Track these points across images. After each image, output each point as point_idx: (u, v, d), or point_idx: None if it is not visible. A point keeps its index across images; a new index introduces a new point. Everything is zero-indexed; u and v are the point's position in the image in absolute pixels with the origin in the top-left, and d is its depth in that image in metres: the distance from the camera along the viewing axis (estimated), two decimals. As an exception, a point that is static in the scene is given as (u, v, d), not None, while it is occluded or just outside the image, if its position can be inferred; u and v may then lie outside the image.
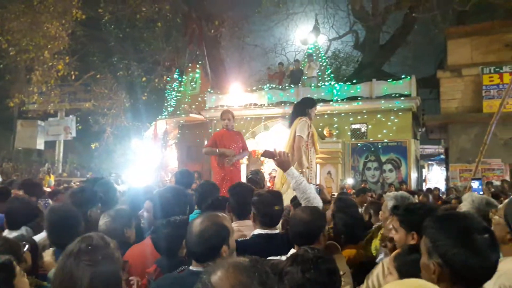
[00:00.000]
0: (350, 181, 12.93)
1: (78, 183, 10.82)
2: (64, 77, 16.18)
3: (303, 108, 4.87)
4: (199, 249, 1.88)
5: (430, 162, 21.05)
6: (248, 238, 2.61)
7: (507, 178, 11.99)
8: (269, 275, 1.23)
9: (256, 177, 4.34)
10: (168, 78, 18.18)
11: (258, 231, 2.57)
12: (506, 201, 2.24)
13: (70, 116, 21.71)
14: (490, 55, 13.23)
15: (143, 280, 2.23)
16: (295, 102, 5.27)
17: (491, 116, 7.14)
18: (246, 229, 2.75)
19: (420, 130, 15.92)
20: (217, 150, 5.31)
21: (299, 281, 1.45)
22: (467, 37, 13.69)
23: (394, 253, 2.02)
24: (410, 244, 2.01)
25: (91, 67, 18.41)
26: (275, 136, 14.10)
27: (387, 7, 16.98)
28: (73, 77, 16.55)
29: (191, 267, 1.94)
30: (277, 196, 2.73)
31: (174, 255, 2.27)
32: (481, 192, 3.38)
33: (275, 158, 3.05)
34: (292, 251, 2.27)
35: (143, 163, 16.65)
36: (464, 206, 2.59)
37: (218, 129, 14.92)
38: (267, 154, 3.17)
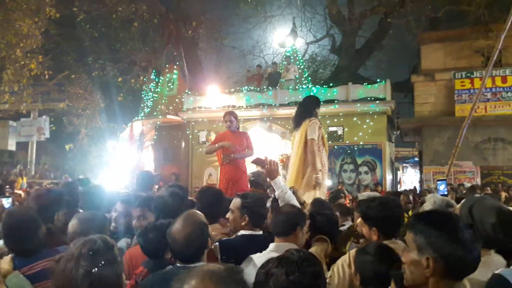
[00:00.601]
0: (328, 182, 13.07)
1: (48, 185, 10.56)
2: (37, 76, 15.73)
3: (310, 108, 4.81)
4: (187, 252, 1.92)
5: (404, 165, 21.54)
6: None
7: (478, 180, 12.39)
8: (245, 285, 1.21)
9: (258, 179, 4.36)
10: (144, 79, 17.94)
11: (242, 232, 2.64)
12: (462, 202, 2.38)
13: (43, 116, 21.14)
14: (462, 61, 13.66)
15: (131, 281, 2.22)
16: (298, 103, 5.18)
17: (463, 120, 7.38)
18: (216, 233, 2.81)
19: (394, 133, 16.26)
20: (216, 145, 5.24)
21: (283, 283, 1.47)
22: (439, 43, 14.09)
23: (353, 250, 2.16)
24: (368, 244, 2.08)
25: (65, 66, 17.97)
26: (253, 137, 14.12)
27: (363, 12, 17.28)
28: (46, 76, 16.11)
29: (178, 264, 2.00)
30: (265, 198, 2.91)
31: (161, 257, 2.30)
32: (446, 193, 3.52)
33: (266, 167, 3.10)
34: (271, 245, 2.36)
35: (118, 165, 16.38)
36: (427, 206, 2.71)
37: (196, 131, 14.91)
38: (258, 161, 3.24)
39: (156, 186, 9.15)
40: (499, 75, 12.70)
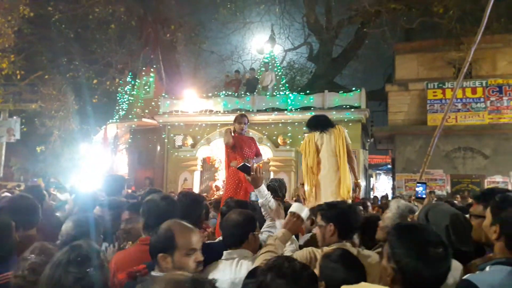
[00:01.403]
0: (306, 188, 13.16)
1: (15, 188, 10.23)
2: (9, 76, 15.28)
3: (329, 120, 4.80)
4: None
5: (377, 172, 21.93)
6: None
7: (448, 187, 12.73)
8: None
9: (275, 185, 4.38)
10: (120, 81, 17.69)
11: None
12: (421, 207, 2.48)
13: (14, 117, 20.45)
14: (434, 72, 14.05)
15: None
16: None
17: (435, 129, 7.57)
18: None
19: (368, 140, 16.55)
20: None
21: None
22: (413, 53, 14.47)
23: (323, 252, 2.18)
24: (334, 251, 2.12)
25: (38, 66, 17.51)
26: (230, 143, 14.13)
27: (340, 22, 17.58)
28: (18, 76, 15.68)
29: (153, 273, 1.96)
30: (243, 203, 2.98)
31: None
32: (424, 196, 3.61)
33: (251, 174, 3.12)
34: (225, 253, 2.37)
35: (91, 168, 16.04)
36: (390, 212, 2.78)
37: (172, 135, 14.77)
38: (244, 168, 3.25)
39: (129, 190, 9.01)
40: (469, 86, 13.13)
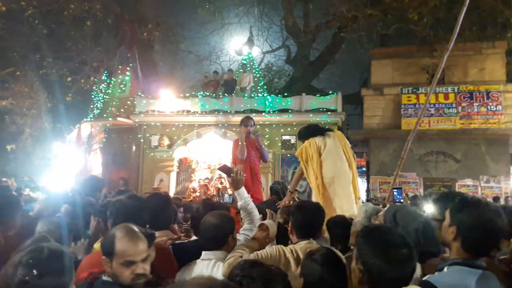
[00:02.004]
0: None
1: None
2: (-22, 72, 14.84)
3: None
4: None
5: (352, 174, 22.19)
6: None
7: (421, 190, 13.03)
8: None
9: (277, 187, 4.58)
10: (95, 79, 17.36)
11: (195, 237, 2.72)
12: (384, 209, 2.54)
13: (-17, 114, 19.89)
14: (409, 77, 14.38)
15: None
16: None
17: (409, 133, 7.74)
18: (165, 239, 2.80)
19: (345, 143, 16.74)
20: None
21: None
22: (389, 59, 14.77)
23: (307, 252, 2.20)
24: (317, 249, 2.15)
25: (10, 63, 16.99)
26: (208, 144, 14.06)
27: (318, 25, 17.78)
28: (-12, 72, 15.24)
29: (103, 277, 1.94)
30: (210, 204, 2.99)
31: None
32: (402, 200, 3.71)
33: (231, 175, 3.11)
34: (204, 254, 2.38)
35: (64, 167, 15.66)
36: (359, 216, 2.86)
37: (148, 135, 14.58)
38: (225, 169, 3.23)
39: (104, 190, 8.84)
40: (442, 92, 13.49)
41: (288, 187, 4.95)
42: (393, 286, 1.53)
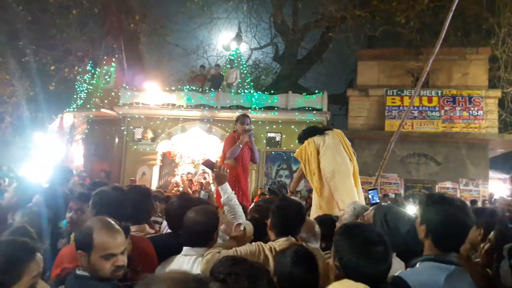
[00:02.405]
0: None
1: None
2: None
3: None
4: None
5: (335, 174, 22.38)
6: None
7: (402, 191, 13.22)
8: None
9: (274, 187, 4.73)
10: (79, 69, 17.06)
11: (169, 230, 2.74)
12: (371, 209, 2.57)
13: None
14: (394, 79, 14.54)
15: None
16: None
17: (392, 135, 7.85)
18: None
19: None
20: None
21: None
22: (375, 60, 14.90)
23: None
24: (289, 247, 2.16)
25: (-9, 49, 16.62)
26: (193, 138, 13.98)
27: (307, 24, 17.81)
28: (-32, 58, 14.82)
29: (77, 271, 1.91)
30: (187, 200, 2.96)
31: None
32: (378, 201, 3.74)
33: (214, 170, 3.10)
34: (185, 250, 2.36)
35: (45, 158, 15.38)
36: (347, 213, 2.88)
37: (131, 127, 14.42)
38: (208, 164, 3.21)
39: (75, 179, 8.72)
40: (426, 95, 13.69)
41: (283, 184, 5.08)
42: (368, 282, 1.53)
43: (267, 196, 4.85)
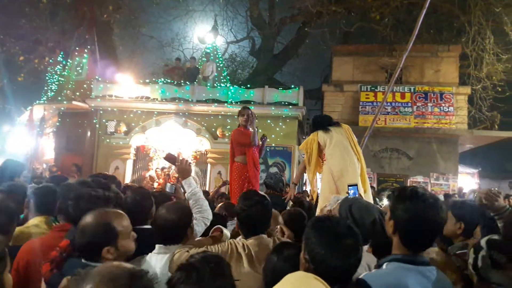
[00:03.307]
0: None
1: None
2: None
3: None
4: (81, 243, 1.84)
5: (310, 168, 22.60)
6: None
7: (375, 185, 13.46)
8: None
9: (270, 182, 4.77)
10: (50, 60, 16.56)
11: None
12: (339, 202, 2.56)
13: None
14: (368, 75, 14.74)
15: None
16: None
17: (365, 130, 7.97)
18: None
19: (304, 137, 16.99)
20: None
21: None
22: (350, 56, 15.06)
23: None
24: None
25: (-45, 37, 15.92)
26: (168, 132, 13.81)
27: (283, 19, 17.82)
28: None
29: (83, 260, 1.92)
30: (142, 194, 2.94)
31: None
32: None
33: (176, 164, 3.05)
34: (158, 248, 2.32)
35: (13, 151, 14.90)
36: (330, 205, 2.89)
37: (104, 120, 14.12)
38: (170, 158, 3.16)
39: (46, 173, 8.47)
40: (399, 91, 13.94)
41: (280, 178, 5.13)
42: (337, 276, 1.50)
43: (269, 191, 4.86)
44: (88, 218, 1.91)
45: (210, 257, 1.58)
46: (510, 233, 1.90)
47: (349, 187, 3.23)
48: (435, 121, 13.63)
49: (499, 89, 13.22)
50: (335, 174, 4.28)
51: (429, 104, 13.76)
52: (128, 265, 1.22)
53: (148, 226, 2.72)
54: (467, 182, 17.15)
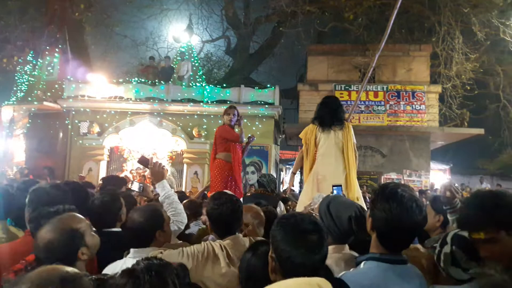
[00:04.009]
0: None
1: None
2: None
3: (342, 113, 4.48)
4: (50, 260, 1.79)
5: (287, 166, 22.70)
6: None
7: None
8: None
9: (263, 180, 4.70)
10: (20, 60, 16.08)
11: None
12: (320, 200, 2.58)
13: None
14: (342, 74, 14.92)
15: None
16: (323, 103, 4.54)
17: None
18: None
19: (280, 136, 17.08)
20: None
21: None
22: (324, 56, 15.20)
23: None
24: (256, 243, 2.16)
25: None
26: (142, 132, 13.62)
27: (258, 18, 17.84)
28: None
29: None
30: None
31: None
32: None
33: (149, 167, 3.01)
34: (133, 252, 2.28)
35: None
36: (315, 204, 2.91)
37: (76, 121, 13.83)
38: (143, 161, 3.12)
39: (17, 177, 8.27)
40: (372, 90, 14.18)
41: (273, 178, 5.15)
42: (302, 272, 1.45)
43: (254, 190, 4.85)
44: (48, 235, 1.85)
45: (154, 266, 1.52)
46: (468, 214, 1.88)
47: (334, 187, 3.24)
48: (408, 119, 13.94)
49: (468, 88, 13.59)
50: (319, 177, 4.29)
51: (401, 103, 14.06)
52: (63, 268, 1.20)
53: (117, 229, 2.68)
54: (439, 178, 17.61)
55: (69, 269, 1.23)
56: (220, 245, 2.27)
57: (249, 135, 5.77)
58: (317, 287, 1.33)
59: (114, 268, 2.19)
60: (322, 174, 4.27)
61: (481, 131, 13.82)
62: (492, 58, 14.09)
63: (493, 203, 1.66)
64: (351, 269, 1.79)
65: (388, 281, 1.64)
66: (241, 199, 4.59)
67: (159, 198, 2.97)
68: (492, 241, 1.63)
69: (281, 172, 20.31)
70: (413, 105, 14.06)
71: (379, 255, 1.73)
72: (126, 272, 1.50)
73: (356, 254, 2.08)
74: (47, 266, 1.24)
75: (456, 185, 2.61)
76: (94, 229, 2.05)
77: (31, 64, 15.40)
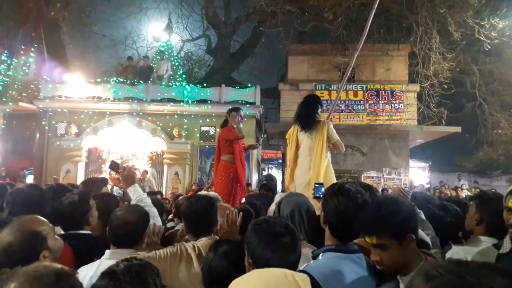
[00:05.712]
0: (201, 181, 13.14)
1: None
2: None
3: (317, 108, 4.45)
4: (10, 264, 1.74)
5: (269, 165, 22.77)
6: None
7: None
8: None
9: (271, 184, 4.59)
10: (-7, 59, 15.66)
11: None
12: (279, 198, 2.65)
13: None
14: (322, 74, 15.00)
15: None
16: (302, 103, 4.56)
17: (320, 127, 8.08)
18: None
19: (262, 136, 17.09)
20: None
21: None
22: (304, 55, 15.25)
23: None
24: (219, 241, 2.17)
25: None
26: (121, 133, 13.43)
27: (238, 18, 17.79)
28: None
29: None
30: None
31: None
32: (321, 195, 3.83)
33: (119, 171, 2.98)
34: (109, 253, 2.24)
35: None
36: (274, 204, 2.94)
37: (53, 122, 13.55)
38: (114, 166, 3.09)
39: None
40: (352, 89, 14.30)
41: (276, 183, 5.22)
42: None
43: (256, 191, 4.84)
44: (7, 238, 1.78)
45: (134, 266, 1.52)
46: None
47: (316, 185, 3.24)
48: (387, 117, 14.11)
49: (445, 87, 13.83)
50: (296, 184, 4.41)
51: (380, 102, 14.23)
52: (56, 265, 1.20)
53: (85, 232, 2.61)
54: (418, 175, 17.90)
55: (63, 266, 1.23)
56: (194, 246, 2.26)
57: (255, 143, 5.91)
58: (290, 276, 1.38)
59: (88, 271, 2.13)
60: (297, 181, 4.43)
61: (458, 129, 14.07)
62: (468, 58, 14.37)
63: (389, 210, 1.72)
64: (311, 262, 1.87)
65: (345, 269, 1.75)
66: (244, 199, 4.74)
67: (132, 202, 2.91)
68: (383, 247, 1.70)
69: (263, 172, 20.32)
70: (392, 104, 14.24)
71: (334, 246, 1.87)
72: (106, 274, 1.48)
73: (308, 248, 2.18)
74: (42, 263, 1.25)
75: (406, 187, 2.74)
76: (62, 232, 1.99)
77: (5, 64, 15.01)
